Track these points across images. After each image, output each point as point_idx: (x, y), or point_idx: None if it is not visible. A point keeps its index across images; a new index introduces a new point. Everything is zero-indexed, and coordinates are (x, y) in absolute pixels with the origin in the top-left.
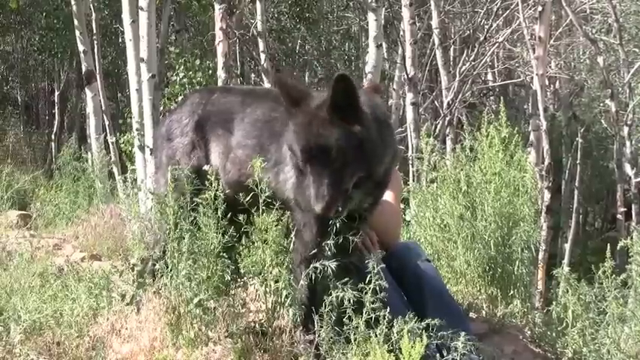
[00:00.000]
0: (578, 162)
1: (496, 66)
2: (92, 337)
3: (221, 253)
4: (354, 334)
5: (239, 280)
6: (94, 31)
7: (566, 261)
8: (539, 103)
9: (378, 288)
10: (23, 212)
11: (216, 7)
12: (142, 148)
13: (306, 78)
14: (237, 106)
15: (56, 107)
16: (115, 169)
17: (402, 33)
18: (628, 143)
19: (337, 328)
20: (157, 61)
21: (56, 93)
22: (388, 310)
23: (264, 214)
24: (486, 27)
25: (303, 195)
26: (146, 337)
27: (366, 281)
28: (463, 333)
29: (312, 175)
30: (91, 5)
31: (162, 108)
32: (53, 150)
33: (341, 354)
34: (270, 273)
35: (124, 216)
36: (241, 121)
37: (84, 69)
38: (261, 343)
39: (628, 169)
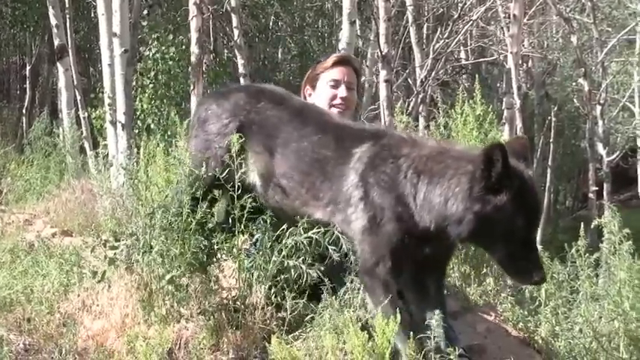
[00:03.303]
0: (550, 141)
1: (469, 44)
2: (63, 314)
3: (194, 230)
4: (329, 312)
5: (213, 257)
6: (67, 5)
7: (537, 239)
8: (512, 81)
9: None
10: None
11: None
12: (113, 123)
13: (279, 55)
14: (282, 126)
15: (27, 82)
16: (86, 144)
17: (375, 10)
18: (600, 122)
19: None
20: (129, 35)
21: (28, 67)
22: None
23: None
24: (460, 5)
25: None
26: (117, 313)
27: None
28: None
29: (529, 244)
30: None
31: (134, 83)
32: (24, 125)
33: (314, 331)
34: (243, 251)
35: (95, 191)
36: (285, 145)
37: (56, 43)
38: (234, 320)
39: (600, 148)
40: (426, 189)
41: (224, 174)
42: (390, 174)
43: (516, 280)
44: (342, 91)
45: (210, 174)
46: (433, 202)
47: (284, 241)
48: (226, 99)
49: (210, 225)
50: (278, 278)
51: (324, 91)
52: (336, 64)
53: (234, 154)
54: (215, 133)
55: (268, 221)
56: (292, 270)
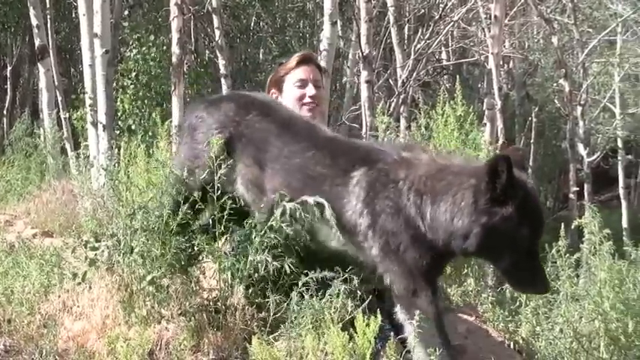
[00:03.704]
0: (531, 141)
1: (450, 45)
2: (43, 315)
3: (175, 231)
4: (310, 313)
5: (194, 258)
6: (48, 6)
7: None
8: (493, 82)
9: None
10: None
11: None
12: (94, 124)
13: (261, 55)
14: (272, 138)
15: (8, 82)
16: (67, 145)
17: (357, 11)
18: (581, 123)
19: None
20: (110, 36)
21: (8, 68)
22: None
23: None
24: (441, 5)
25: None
26: (98, 314)
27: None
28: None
29: (533, 254)
30: None
31: (115, 84)
32: (5, 126)
33: (296, 332)
34: (223, 252)
35: (76, 192)
36: (276, 160)
37: (37, 44)
38: (215, 321)
39: (581, 148)
40: (430, 209)
41: (210, 184)
42: (393, 199)
43: (520, 290)
44: (310, 90)
45: (197, 182)
46: (439, 220)
47: (255, 239)
48: (217, 108)
49: (192, 227)
50: (254, 277)
51: (291, 92)
52: (299, 63)
53: (215, 159)
54: (204, 143)
55: (251, 222)
56: (260, 265)
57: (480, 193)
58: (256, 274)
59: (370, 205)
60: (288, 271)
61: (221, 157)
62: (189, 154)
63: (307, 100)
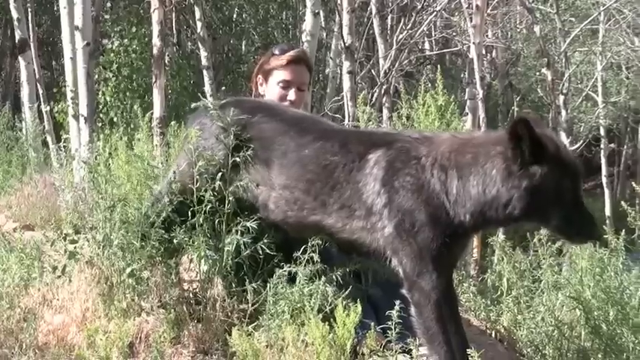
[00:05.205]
0: None
1: (433, 35)
2: (23, 309)
3: (156, 223)
4: (289, 304)
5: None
6: None
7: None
8: (475, 71)
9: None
10: None
11: None
12: (76, 116)
13: (243, 47)
14: (279, 137)
15: None
16: (49, 138)
17: (339, 1)
18: (563, 112)
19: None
20: (91, 29)
21: None
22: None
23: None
24: None
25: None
26: (78, 307)
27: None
28: (397, 302)
29: (579, 204)
30: None
31: (97, 76)
32: None
33: (276, 324)
34: (204, 243)
35: (57, 185)
36: (284, 157)
37: (17, 37)
38: (195, 313)
39: (563, 137)
40: (458, 183)
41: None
42: (415, 175)
43: (578, 242)
44: (291, 95)
45: (202, 182)
46: (470, 193)
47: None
48: (221, 114)
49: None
50: (231, 264)
51: (274, 90)
52: (290, 63)
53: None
54: (207, 148)
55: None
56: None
57: (510, 160)
58: (234, 260)
59: (389, 184)
60: (263, 256)
61: (224, 163)
62: (191, 162)
63: (286, 103)
